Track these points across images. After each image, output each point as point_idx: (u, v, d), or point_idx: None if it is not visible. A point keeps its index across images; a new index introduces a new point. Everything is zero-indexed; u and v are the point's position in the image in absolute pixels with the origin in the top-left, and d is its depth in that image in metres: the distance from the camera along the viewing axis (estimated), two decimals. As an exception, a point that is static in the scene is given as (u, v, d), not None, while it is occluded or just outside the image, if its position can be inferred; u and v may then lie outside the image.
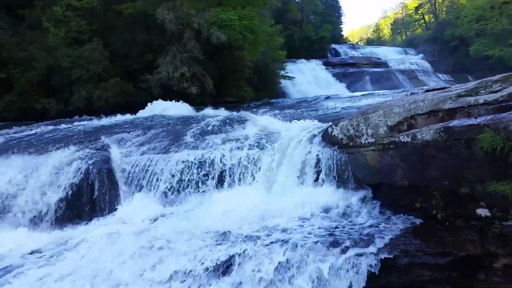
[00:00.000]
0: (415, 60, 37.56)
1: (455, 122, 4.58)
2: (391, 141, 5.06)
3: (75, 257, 4.82)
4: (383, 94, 11.64)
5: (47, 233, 5.83)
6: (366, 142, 5.35)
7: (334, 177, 5.61)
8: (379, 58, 36.35)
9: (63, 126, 9.79)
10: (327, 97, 12.29)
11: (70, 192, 6.42)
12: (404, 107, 5.16)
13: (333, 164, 5.62)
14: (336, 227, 4.76)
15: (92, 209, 6.38)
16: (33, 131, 9.40)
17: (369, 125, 5.34)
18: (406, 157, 4.90)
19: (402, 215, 4.95)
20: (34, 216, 6.23)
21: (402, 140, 4.94)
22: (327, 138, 5.98)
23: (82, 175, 6.62)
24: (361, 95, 12.76)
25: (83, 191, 6.48)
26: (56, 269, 4.56)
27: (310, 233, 4.63)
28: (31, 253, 5.11)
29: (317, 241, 4.37)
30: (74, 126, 9.76)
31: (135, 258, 4.58)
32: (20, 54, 13.41)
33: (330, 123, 6.15)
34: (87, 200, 6.43)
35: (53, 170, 6.79)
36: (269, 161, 6.37)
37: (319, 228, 4.75)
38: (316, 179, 5.75)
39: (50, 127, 9.88)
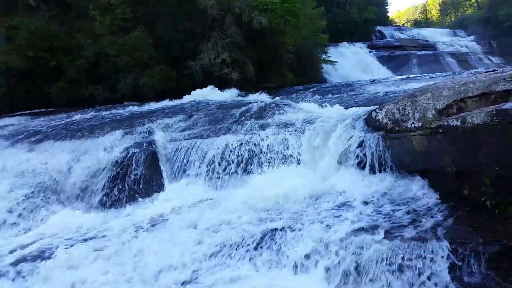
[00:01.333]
0: (465, 42, 35.68)
1: (508, 105, 4.32)
2: (439, 125, 4.86)
3: (120, 236, 5.05)
4: (430, 78, 11.17)
5: (94, 214, 6.10)
6: (413, 126, 5.17)
7: (377, 162, 5.47)
8: (426, 41, 34.82)
9: (110, 112, 10.17)
10: (371, 81, 11.96)
11: (116, 175, 6.67)
12: (454, 89, 4.93)
13: (376, 149, 5.48)
14: (378, 213, 4.67)
15: (137, 191, 6.59)
16: (82, 117, 9.81)
17: (416, 109, 5.15)
18: (455, 142, 4.69)
19: (448, 202, 4.77)
20: (83, 198, 6.53)
21: (451, 124, 4.73)
22: (371, 123, 5.83)
23: (128, 159, 6.86)
24: (407, 78, 12.32)
25: (129, 174, 6.71)
26: (104, 248, 4.80)
27: (353, 218, 4.57)
28: (80, 231, 5.40)
29: (361, 227, 4.32)
30: (121, 112, 10.10)
31: (179, 237, 4.74)
32: (69, 43, 13.95)
33: (374, 108, 6.00)
34: (132, 183, 6.66)
35: (101, 153, 7.08)
36: (310, 146, 6.32)
37: (360, 212, 4.68)
38: (358, 164, 5.64)
39: (98, 113, 10.28)
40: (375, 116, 5.73)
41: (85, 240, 5.07)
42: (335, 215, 4.73)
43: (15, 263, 4.71)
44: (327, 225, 4.47)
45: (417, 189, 5.07)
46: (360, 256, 3.95)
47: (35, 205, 6.24)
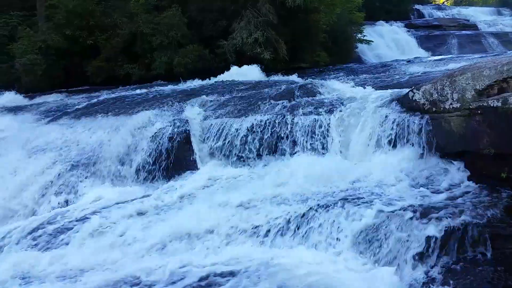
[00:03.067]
0: (510, 22, 33.80)
1: (556, 86, 4.11)
2: (479, 105, 4.70)
3: (155, 212, 5.26)
4: (470, 59, 10.73)
5: (130, 189, 6.30)
6: (451, 107, 5.01)
7: (413, 143, 5.36)
8: (467, 20, 33.21)
9: (145, 90, 10.34)
10: (408, 61, 11.62)
11: (150, 153, 6.82)
12: (496, 69, 4.73)
13: (412, 130, 5.37)
14: (415, 197, 4.60)
15: (170, 170, 6.74)
16: (118, 95, 10.05)
17: (455, 89, 4.98)
18: (494, 123, 4.54)
19: (485, 185, 4.64)
20: (117, 174, 6.74)
21: (491, 105, 4.56)
22: (407, 103, 5.70)
23: (161, 137, 7.00)
24: (445, 59, 11.88)
25: (162, 152, 6.86)
26: (138, 222, 5.02)
27: (388, 200, 4.54)
28: (116, 204, 5.64)
29: (397, 209, 4.29)
30: (155, 90, 10.26)
31: (211, 213, 4.86)
32: (106, 21, 14.20)
33: (411, 88, 5.85)
34: (165, 161, 6.81)
35: (136, 131, 7.26)
36: (343, 126, 6.25)
37: (395, 195, 4.63)
38: (394, 146, 5.54)
39: (133, 91, 10.50)
40: (412, 97, 5.60)
41: (117, 210, 5.33)
42: (365, 200, 4.69)
43: (55, 232, 4.99)
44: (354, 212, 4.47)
45: (454, 172, 4.97)
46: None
47: (74, 179, 6.51)
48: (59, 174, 6.51)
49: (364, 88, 7.57)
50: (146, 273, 4.06)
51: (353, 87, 7.89)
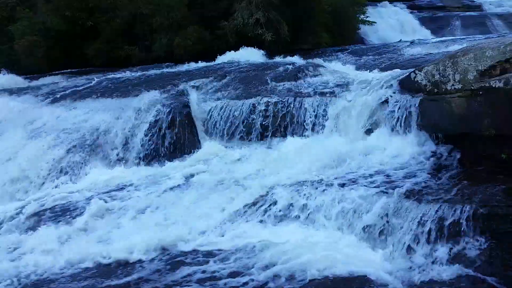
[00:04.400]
0: (516, 2, 33.27)
1: (559, 66, 4.09)
2: (481, 86, 4.68)
3: (158, 190, 5.33)
4: (473, 40, 10.61)
5: (131, 170, 6.38)
6: (453, 88, 5.00)
7: (413, 125, 5.36)
8: (472, 1, 32.74)
9: (145, 72, 10.29)
10: (411, 43, 11.49)
11: (152, 134, 6.86)
12: (499, 49, 4.69)
13: (413, 111, 5.36)
14: (413, 176, 4.63)
15: (173, 150, 6.79)
16: (118, 76, 10.01)
17: (457, 70, 4.96)
18: (496, 104, 4.53)
19: (484, 167, 4.66)
20: (122, 155, 6.78)
21: (493, 86, 4.55)
22: (409, 85, 5.68)
23: (163, 118, 7.02)
24: (448, 40, 11.75)
25: (165, 133, 6.89)
26: (144, 200, 5.11)
27: (380, 181, 4.57)
28: (117, 185, 5.75)
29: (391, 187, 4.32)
30: (156, 72, 10.21)
31: (212, 192, 4.90)
32: (105, 3, 14.01)
33: (412, 69, 5.82)
34: (168, 142, 6.84)
35: (138, 112, 7.26)
36: (343, 108, 6.24)
37: (393, 176, 4.66)
38: (393, 127, 5.54)
39: (134, 73, 10.44)
40: (414, 78, 5.57)
41: (122, 191, 5.40)
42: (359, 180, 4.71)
43: (56, 211, 5.06)
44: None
45: (453, 154, 4.98)
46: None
47: (75, 161, 6.54)
48: (60, 156, 6.54)
49: (366, 69, 7.55)
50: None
51: (355, 68, 7.86)
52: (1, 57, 13.77)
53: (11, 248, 4.57)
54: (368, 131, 5.72)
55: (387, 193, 4.31)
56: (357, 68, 7.81)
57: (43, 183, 6.21)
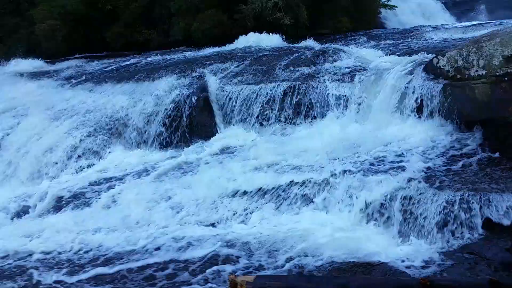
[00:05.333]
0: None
1: None
2: (506, 72, 4.57)
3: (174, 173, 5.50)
4: (499, 24, 10.29)
5: (150, 153, 6.48)
6: (476, 74, 4.88)
7: (436, 111, 5.27)
8: (498, -17, 31.67)
9: (164, 56, 10.32)
10: (433, 28, 11.22)
11: (171, 118, 6.90)
12: (527, 34, 4.54)
13: (435, 97, 5.26)
14: (435, 162, 4.57)
15: (190, 134, 6.83)
16: (137, 61, 10.07)
17: (482, 55, 4.83)
18: (522, 91, 4.41)
19: (508, 154, 4.56)
20: (141, 138, 6.85)
21: (520, 72, 4.42)
22: (431, 70, 5.57)
23: (182, 103, 7.05)
24: (473, 25, 11.43)
25: (183, 117, 6.92)
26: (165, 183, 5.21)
27: (401, 166, 4.52)
28: (136, 167, 5.88)
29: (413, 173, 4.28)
30: (174, 56, 10.23)
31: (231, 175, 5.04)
32: (124, -14, 14.02)
33: (435, 55, 5.69)
34: (186, 126, 6.88)
35: (157, 96, 7.31)
36: (364, 93, 6.16)
37: (414, 161, 4.60)
38: (415, 114, 5.46)
39: (153, 57, 10.48)
40: (436, 63, 5.47)
41: (143, 173, 5.55)
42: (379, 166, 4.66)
43: (77, 193, 5.21)
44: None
45: (475, 141, 4.89)
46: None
47: (95, 143, 6.65)
48: (81, 139, 6.65)
49: (387, 54, 7.41)
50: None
51: (376, 53, 7.72)
52: (23, 41, 13.97)
53: (37, 228, 4.70)
54: (390, 117, 5.64)
55: (409, 178, 4.27)
56: (378, 53, 7.66)
57: (65, 165, 6.34)
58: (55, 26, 13.24)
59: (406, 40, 9.69)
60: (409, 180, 4.26)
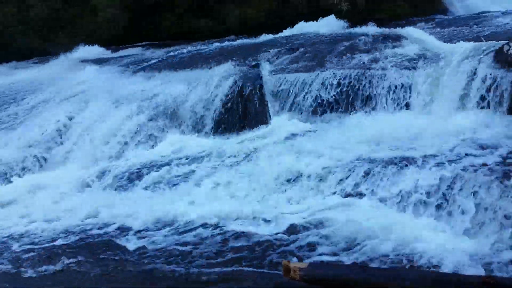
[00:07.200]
0: None
1: None
2: None
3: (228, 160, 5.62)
4: None
5: (206, 139, 6.62)
6: (553, 62, 4.50)
7: (507, 102, 4.92)
8: None
9: (219, 44, 10.42)
10: (503, 13, 10.47)
11: (225, 106, 6.99)
12: None
13: (506, 88, 4.91)
14: (504, 157, 4.29)
15: (244, 122, 6.88)
16: (193, 49, 10.24)
17: (561, 42, 4.44)
18: None
19: None
20: (196, 124, 7.00)
21: None
22: (501, 58, 5.23)
23: (236, 90, 7.11)
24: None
25: (237, 105, 6.99)
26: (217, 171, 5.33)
27: (466, 160, 4.29)
28: (195, 152, 6.04)
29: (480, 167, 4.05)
30: (229, 44, 10.30)
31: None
32: (181, -26, 14.24)
33: (506, 41, 5.31)
34: (240, 114, 6.95)
35: (211, 84, 7.41)
36: (426, 82, 5.88)
37: (480, 156, 4.35)
38: (483, 104, 5.14)
39: (208, 45, 10.62)
40: (507, 51, 5.13)
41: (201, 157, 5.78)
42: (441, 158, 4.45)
43: (134, 175, 5.58)
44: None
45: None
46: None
47: (155, 128, 6.88)
48: (141, 123, 6.90)
49: (451, 41, 7.02)
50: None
51: (440, 39, 7.33)
52: (86, 29, 14.64)
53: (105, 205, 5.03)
54: (455, 108, 5.36)
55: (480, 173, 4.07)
56: (442, 39, 7.28)
57: (125, 148, 6.62)
58: (116, 15, 13.76)
59: (473, 25, 9.13)
60: (476, 173, 4.03)
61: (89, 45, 12.56)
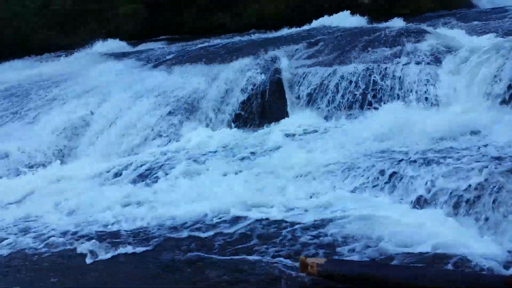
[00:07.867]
0: None
1: None
2: None
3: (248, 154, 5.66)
4: None
5: (225, 132, 6.60)
6: None
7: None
8: None
9: (238, 38, 10.40)
10: (531, 7, 10.18)
11: (243, 100, 6.99)
12: None
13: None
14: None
15: (262, 115, 6.87)
16: (212, 43, 10.24)
17: None
18: None
19: None
20: (213, 119, 7.03)
21: None
22: (529, 53, 5.03)
23: (255, 85, 7.09)
24: None
25: (256, 99, 6.97)
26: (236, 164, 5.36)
27: (486, 160, 4.16)
28: (214, 145, 6.12)
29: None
30: (248, 39, 10.26)
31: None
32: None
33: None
34: (258, 107, 6.93)
35: (231, 78, 7.40)
36: (449, 78, 5.74)
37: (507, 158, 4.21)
38: (508, 100, 4.99)
39: (227, 40, 10.61)
40: (537, 44, 4.91)
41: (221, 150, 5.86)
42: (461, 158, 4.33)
43: (155, 168, 5.58)
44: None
45: None
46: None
47: (175, 121, 6.92)
48: (160, 117, 6.95)
49: (477, 34, 6.82)
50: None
51: (464, 33, 7.14)
52: (106, 23, 14.82)
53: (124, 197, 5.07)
54: (480, 104, 5.20)
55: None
56: (468, 34, 7.08)
57: (145, 142, 6.67)
58: (137, 9, 13.89)
59: (501, 20, 8.87)
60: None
61: (110, 40, 12.71)
